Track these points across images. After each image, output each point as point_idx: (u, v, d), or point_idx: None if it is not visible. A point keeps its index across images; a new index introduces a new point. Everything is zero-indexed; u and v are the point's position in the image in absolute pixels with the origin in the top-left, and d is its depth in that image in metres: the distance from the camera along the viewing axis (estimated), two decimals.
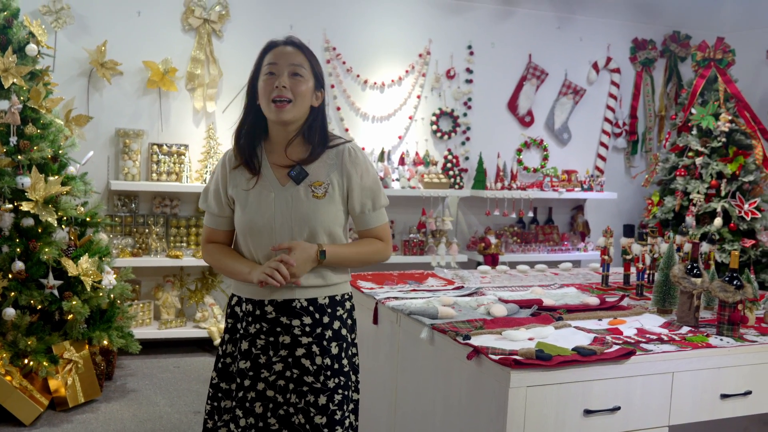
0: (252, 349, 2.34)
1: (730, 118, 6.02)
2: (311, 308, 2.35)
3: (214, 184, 2.45)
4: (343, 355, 2.38)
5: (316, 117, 2.40)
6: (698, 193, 6.03)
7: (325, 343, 2.34)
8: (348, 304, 2.47)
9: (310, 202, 2.32)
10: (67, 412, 4.23)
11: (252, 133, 2.40)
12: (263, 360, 2.33)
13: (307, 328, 2.33)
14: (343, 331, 2.40)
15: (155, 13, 5.48)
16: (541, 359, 2.37)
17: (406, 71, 6.23)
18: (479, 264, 5.90)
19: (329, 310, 2.38)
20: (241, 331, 2.37)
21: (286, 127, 2.36)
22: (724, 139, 6.04)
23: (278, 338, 2.33)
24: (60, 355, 4.24)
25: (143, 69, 5.44)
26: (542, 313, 3.06)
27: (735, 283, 2.85)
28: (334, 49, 5.93)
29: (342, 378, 2.36)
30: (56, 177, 4.30)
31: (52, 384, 4.21)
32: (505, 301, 3.17)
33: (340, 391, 2.35)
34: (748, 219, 5.90)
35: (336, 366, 2.35)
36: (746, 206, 5.90)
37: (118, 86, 5.41)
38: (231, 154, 2.43)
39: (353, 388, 2.46)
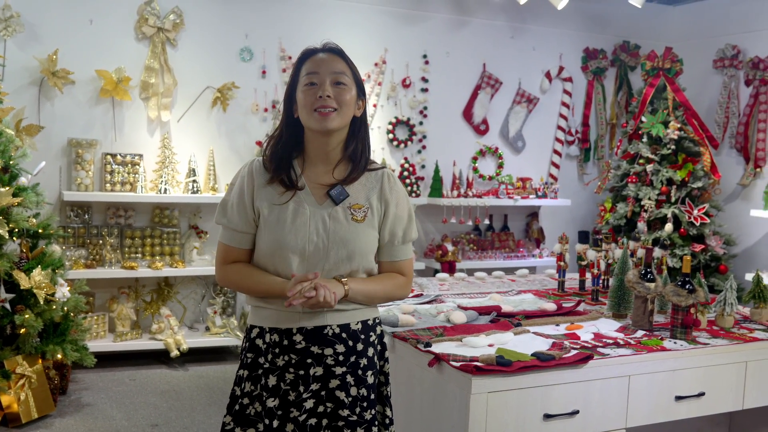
0: (281, 384, 2.14)
1: (678, 126, 6.16)
2: (344, 335, 2.17)
3: (236, 197, 2.21)
4: (375, 384, 2.24)
5: (358, 128, 2.27)
6: (649, 199, 6.15)
7: (360, 372, 2.17)
8: (379, 329, 2.29)
9: (350, 225, 2.17)
10: (20, 428, 4.13)
11: (288, 146, 2.24)
12: (293, 397, 2.13)
13: (341, 357, 2.15)
14: (375, 359, 2.24)
15: (108, 22, 5.41)
16: (502, 365, 2.40)
17: (362, 80, 6.22)
18: (437, 271, 5.93)
19: (362, 336, 2.20)
20: (266, 365, 2.16)
21: (328, 138, 2.20)
22: (673, 147, 6.18)
23: (309, 371, 2.13)
24: (12, 370, 4.15)
25: (96, 78, 5.36)
26: (501, 319, 3.10)
27: (687, 287, 2.92)
28: (290, 58, 5.90)
29: (376, 410, 2.22)
30: (7, 188, 4.21)
31: (5, 400, 4.11)
32: (465, 308, 3.20)
33: (377, 423, 2.20)
34: (698, 224, 6.04)
35: (372, 396, 2.19)
36: (695, 212, 6.04)
37: (70, 95, 5.33)
38: (258, 165, 2.23)
39: (384, 422, 2.29)
